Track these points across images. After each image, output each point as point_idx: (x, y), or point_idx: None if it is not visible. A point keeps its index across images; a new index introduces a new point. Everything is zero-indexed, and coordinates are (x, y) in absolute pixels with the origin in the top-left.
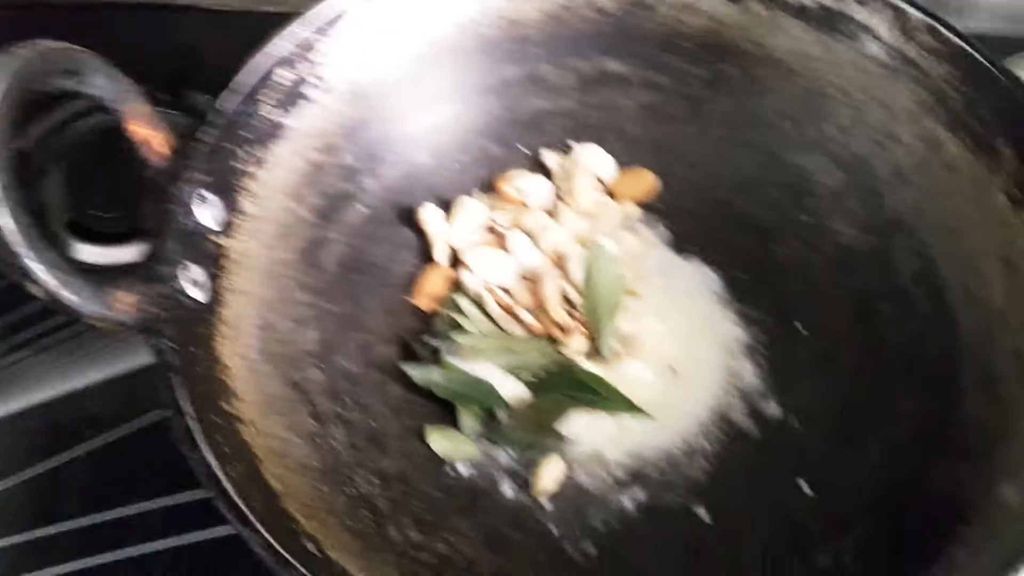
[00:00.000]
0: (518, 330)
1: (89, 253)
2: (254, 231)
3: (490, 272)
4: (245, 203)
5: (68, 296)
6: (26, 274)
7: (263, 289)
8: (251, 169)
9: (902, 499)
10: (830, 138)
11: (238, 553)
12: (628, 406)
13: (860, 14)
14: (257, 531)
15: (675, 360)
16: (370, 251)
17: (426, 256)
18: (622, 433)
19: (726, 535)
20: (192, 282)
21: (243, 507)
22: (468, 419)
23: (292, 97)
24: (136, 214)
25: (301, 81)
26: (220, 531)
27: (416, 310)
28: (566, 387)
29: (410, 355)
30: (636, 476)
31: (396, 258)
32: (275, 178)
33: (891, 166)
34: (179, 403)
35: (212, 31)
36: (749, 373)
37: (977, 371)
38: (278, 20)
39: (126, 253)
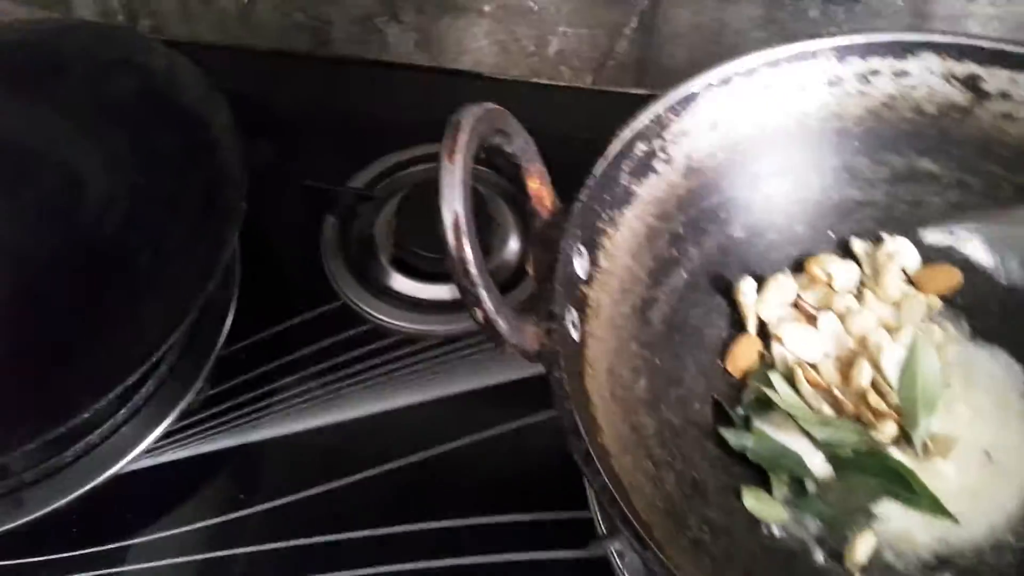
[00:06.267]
0: (826, 408)
1: (406, 286)
2: (604, 284)
3: (801, 347)
4: (601, 258)
5: (500, 324)
6: (477, 299)
7: (609, 337)
8: (608, 228)
9: None
10: None
11: None
12: (937, 508)
13: None
14: (659, 557)
15: (990, 446)
16: (689, 313)
17: (736, 324)
18: (930, 518)
19: None
20: (572, 323)
21: (642, 532)
22: (778, 485)
23: (643, 167)
24: None
25: (652, 154)
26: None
27: (726, 374)
28: (876, 472)
29: (723, 416)
30: (945, 562)
31: (710, 323)
32: (623, 239)
33: None
34: (579, 429)
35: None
36: None
37: None
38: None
39: (440, 291)
